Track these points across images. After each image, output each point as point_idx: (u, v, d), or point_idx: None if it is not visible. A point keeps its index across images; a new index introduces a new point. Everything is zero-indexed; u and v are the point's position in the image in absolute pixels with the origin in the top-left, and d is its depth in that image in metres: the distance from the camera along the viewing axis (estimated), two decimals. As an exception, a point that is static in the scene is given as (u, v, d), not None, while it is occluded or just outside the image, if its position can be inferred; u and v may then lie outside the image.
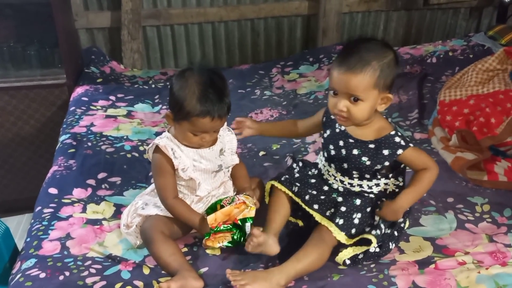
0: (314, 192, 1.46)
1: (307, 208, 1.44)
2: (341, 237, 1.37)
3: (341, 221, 1.38)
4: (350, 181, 1.46)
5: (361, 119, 1.37)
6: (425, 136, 2.11)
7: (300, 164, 1.60)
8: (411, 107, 2.37)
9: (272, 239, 1.39)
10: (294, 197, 1.48)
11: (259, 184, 1.63)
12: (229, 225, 1.41)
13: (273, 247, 1.38)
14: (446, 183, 1.78)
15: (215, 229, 1.40)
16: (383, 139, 1.40)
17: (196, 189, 1.48)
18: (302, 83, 2.69)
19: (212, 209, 1.43)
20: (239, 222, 1.41)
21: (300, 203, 1.46)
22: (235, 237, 1.42)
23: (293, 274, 1.32)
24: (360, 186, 1.46)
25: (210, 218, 1.39)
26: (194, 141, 1.43)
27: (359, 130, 1.42)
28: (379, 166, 1.41)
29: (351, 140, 1.43)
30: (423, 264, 1.41)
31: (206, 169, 1.47)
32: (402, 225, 1.48)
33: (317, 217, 1.42)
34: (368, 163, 1.41)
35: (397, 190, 1.47)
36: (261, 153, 2.00)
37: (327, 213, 1.41)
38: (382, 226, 1.41)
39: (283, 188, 1.49)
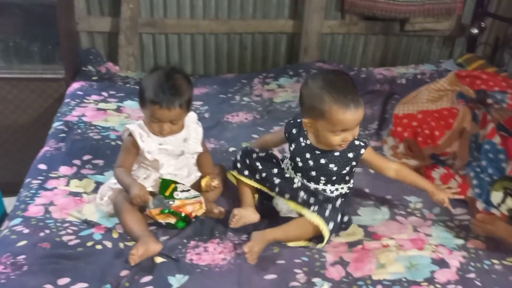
0: (280, 181, 1.69)
1: (278, 197, 1.68)
2: (319, 221, 1.56)
3: (316, 208, 1.59)
4: (315, 186, 1.69)
5: None
6: (378, 144, 2.35)
7: (262, 154, 1.78)
8: (373, 120, 2.60)
9: (249, 209, 1.64)
10: (261, 187, 1.71)
11: (221, 170, 1.88)
12: (182, 215, 1.61)
13: (253, 215, 1.63)
14: (388, 184, 1.99)
15: (169, 210, 1.60)
16: None
17: (159, 169, 1.71)
18: (280, 93, 2.92)
19: (167, 183, 1.65)
20: (193, 217, 1.64)
21: (271, 193, 1.70)
22: (179, 224, 1.63)
23: (272, 238, 1.57)
24: (324, 190, 1.69)
25: (177, 204, 1.60)
26: (154, 127, 1.66)
27: None
28: (346, 170, 1.65)
29: (317, 152, 1.66)
30: (352, 244, 1.64)
31: (168, 151, 1.70)
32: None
33: (292, 205, 1.65)
34: (335, 168, 1.64)
35: (348, 192, 1.72)
36: (231, 149, 2.24)
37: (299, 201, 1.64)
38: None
39: (248, 181, 1.72)
